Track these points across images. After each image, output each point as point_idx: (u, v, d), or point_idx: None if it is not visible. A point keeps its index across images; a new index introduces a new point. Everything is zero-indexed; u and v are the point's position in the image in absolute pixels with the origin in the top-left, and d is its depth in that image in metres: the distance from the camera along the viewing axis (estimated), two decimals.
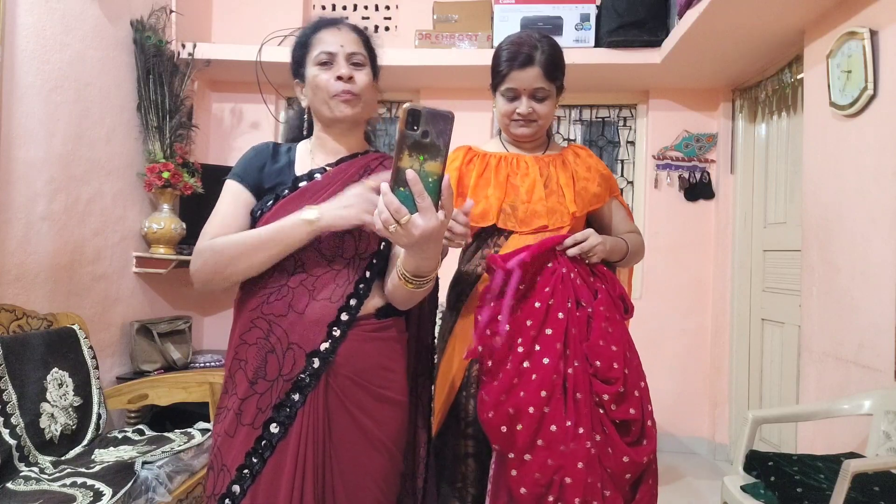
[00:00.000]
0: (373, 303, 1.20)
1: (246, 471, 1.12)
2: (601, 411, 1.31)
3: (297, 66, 1.28)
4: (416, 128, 0.86)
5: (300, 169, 1.25)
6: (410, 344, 1.32)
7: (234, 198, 1.22)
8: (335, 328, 1.15)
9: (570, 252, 1.41)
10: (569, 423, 1.27)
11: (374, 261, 1.21)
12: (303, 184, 1.21)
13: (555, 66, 1.46)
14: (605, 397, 1.30)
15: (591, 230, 1.45)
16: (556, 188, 1.49)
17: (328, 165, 1.25)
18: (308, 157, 1.28)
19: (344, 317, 1.16)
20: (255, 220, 1.21)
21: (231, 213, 1.20)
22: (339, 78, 1.20)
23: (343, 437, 1.15)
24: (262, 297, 1.16)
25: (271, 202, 1.20)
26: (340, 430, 1.15)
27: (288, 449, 1.11)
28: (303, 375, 1.13)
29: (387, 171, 1.26)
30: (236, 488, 1.12)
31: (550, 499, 1.24)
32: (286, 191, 1.20)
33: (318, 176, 1.23)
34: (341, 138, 1.28)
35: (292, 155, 1.28)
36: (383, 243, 1.22)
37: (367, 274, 1.20)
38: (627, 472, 1.28)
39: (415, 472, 1.33)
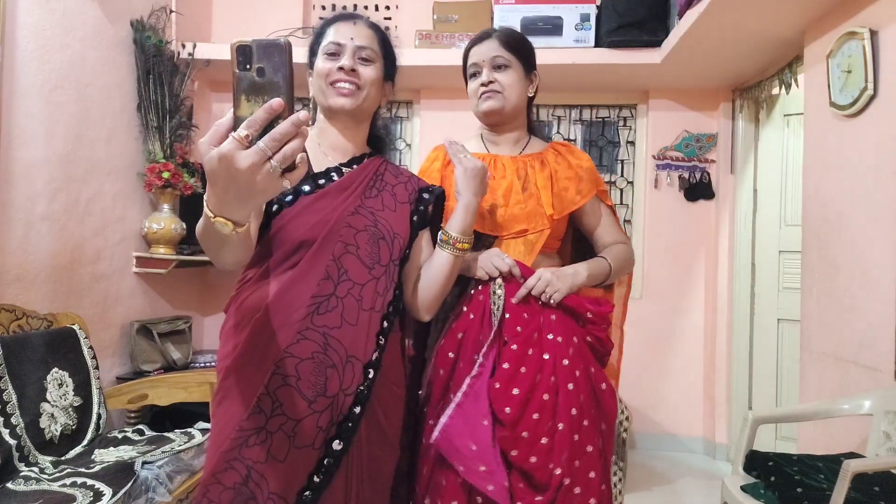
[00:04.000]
0: None
1: (308, 493, 1.06)
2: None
3: (311, 54, 1.27)
4: (248, 67, 0.76)
5: (315, 164, 1.22)
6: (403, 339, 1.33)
7: None
8: (381, 337, 1.14)
9: (519, 295, 1.34)
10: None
11: (401, 266, 1.22)
12: (322, 181, 1.19)
13: (511, 38, 1.47)
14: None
15: (541, 271, 1.36)
16: (535, 190, 1.45)
17: (342, 165, 1.24)
18: (318, 150, 1.25)
19: (385, 325, 1.16)
20: (269, 214, 1.14)
21: None
22: (341, 69, 1.19)
23: (370, 436, 1.15)
24: (311, 308, 1.09)
25: (291, 197, 1.15)
26: (369, 430, 1.14)
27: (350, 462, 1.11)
28: (362, 388, 1.10)
29: (391, 175, 1.29)
30: None
31: None
32: (306, 186, 1.17)
33: (335, 175, 1.21)
34: (344, 132, 1.26)
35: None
36: (408, 250, 1.23)
37: (398, 279, 1.21)
38: None
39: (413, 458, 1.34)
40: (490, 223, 1.43)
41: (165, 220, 2.91)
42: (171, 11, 3.12)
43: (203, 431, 2.19)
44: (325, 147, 1.26)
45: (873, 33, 2.02)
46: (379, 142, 1.36)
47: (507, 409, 1.24)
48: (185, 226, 2.98)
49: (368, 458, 1.14)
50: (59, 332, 2.14)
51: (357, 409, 1.10)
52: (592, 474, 1.25)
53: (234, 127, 0.75)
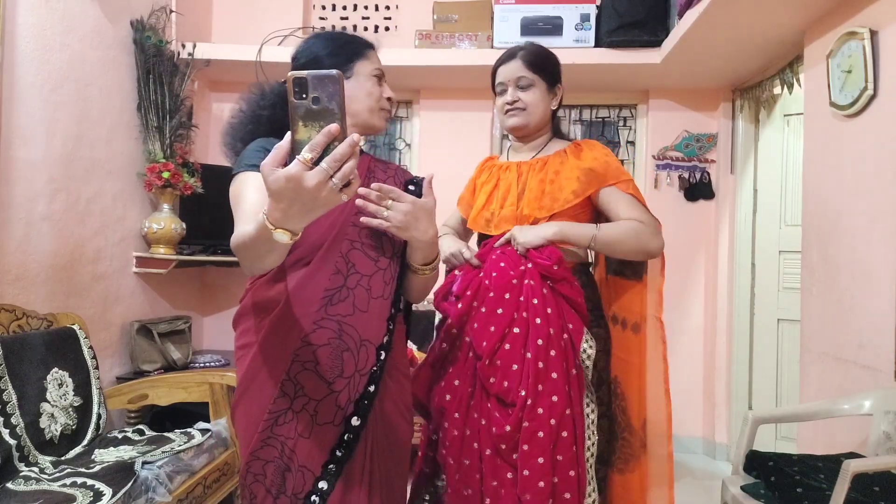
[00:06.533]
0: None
1: (332, 466, 1.17)
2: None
3: None
4: (304, 96, 0.84)
5: None
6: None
7: (260, 186, 1.09)
8: (390, 322, 1.25)
9: (499, 243, 1.52)
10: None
11: (403, 256, 1.30)
12: None
13: (534, 57, 1.59)
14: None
15: (514, 229, 1.51)
16: (529, 193, 1.56)
17: None
18: None
19: (393, 310, 1.26)
20: None
21: (261, 200, 1.08)
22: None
23: (385, 411, 1.25)
24: (324, 300, 1.19)
25: None
26: (384, 406, 1.25)
27: (367, 437, 1.21)
28: (375, 368, 1.21)
29: (381, 171, 1.34)
30: (323, 484, 1.17)
31: None
32: None
33: None
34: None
35: None
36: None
37: (401, 269, 1.29)
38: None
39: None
40: (487, 225, 1.59)
41: (165, 220, 2.91)
42: (171, 11, 3.12)
43: (203, 432, 2.19)
44: None
45: (873, 33, 2.02)
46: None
47: (484, 343, 1.43)
48: (184, 226, 2.98)
49: (385, 432, 1.25)
50: (59, 332, 2.14)
51: (371, 388, 1.20)
52: (555, 398, 1.39)
53: (292, 149, 0.85)
